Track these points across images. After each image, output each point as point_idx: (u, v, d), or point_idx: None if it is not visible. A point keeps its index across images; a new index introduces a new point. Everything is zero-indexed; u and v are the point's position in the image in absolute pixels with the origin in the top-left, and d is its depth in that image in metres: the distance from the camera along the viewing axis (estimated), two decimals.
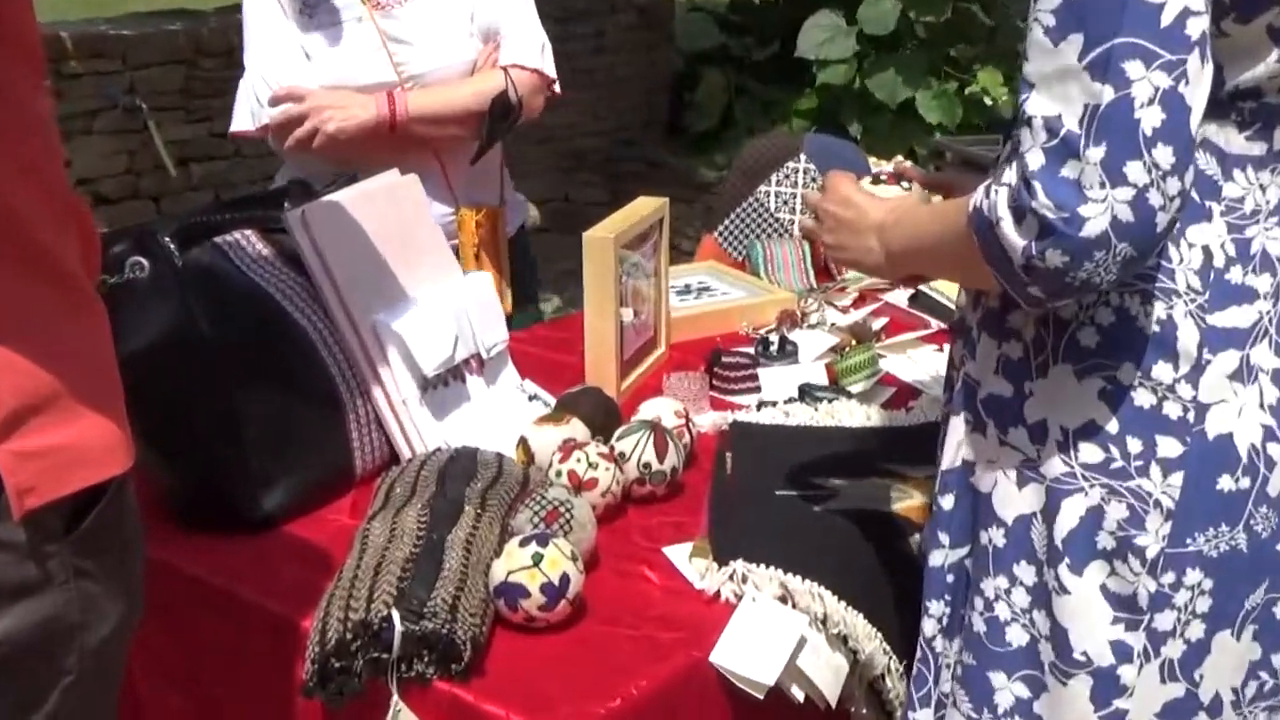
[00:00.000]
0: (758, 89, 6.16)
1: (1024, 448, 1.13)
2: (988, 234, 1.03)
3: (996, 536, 1.15)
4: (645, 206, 2.10)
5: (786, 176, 3.31)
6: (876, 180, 2.58)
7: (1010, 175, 1.02)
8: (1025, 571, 1.14)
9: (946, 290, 2.27)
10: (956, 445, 1.19)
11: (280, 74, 2.13)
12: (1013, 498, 1.14)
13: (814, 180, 3.30)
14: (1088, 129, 0.96)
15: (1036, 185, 0.98)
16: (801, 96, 5.65)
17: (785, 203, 3.31)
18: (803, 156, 3.27)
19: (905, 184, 1.38)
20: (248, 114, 2.15)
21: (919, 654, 1.24)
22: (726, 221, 3.27)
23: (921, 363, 2.09)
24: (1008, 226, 1.01)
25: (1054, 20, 0.99)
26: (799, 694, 1.29)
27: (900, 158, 4.67)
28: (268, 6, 2.17)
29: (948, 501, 1.20)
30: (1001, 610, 1.14)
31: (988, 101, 4.95)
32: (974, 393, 1.18)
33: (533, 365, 1.97)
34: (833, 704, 1.30)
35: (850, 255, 1.30)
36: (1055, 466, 1.11)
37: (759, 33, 6.41)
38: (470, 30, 2.23)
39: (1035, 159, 0.99)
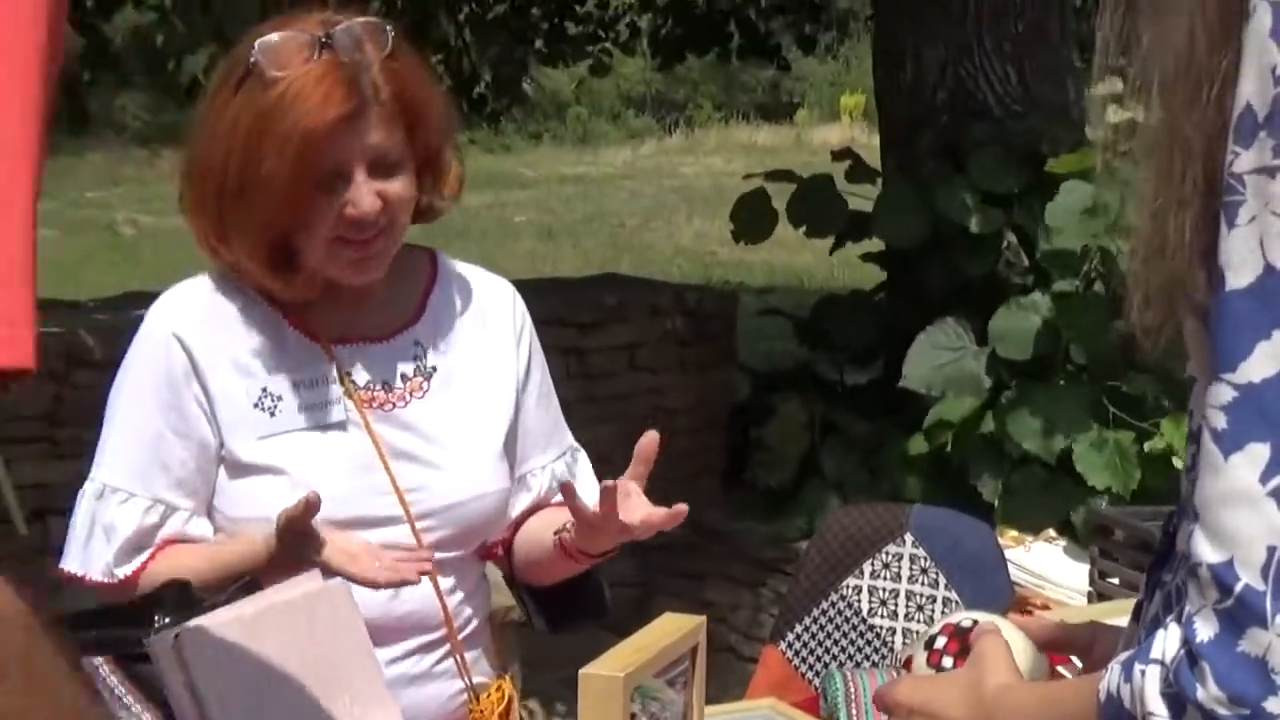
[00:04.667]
0: (852, 426, 6.24)
1: None
2: None
3: None
4: (672, 629, 2.08)
5: (886, 565, 3.31)
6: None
7: (1166, 643, 1.01)
8: None
9: None
10: None
11: (187, 501, 2.06)
12: None
13: (924, 572, 3.30)
14: (1275, 583, 0.96)
15: (1205, 666, 0.97)
16: (912, 440, 5.71)
17: (883, 603, 3.29)
18: (908, 537, 3.28)
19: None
20: (92, 554, 2.04)
21: None
22: (800, 628, 3.25)
23: None
24: None
25: (1225, 421, 0.99)
26: None
27: (1052, 532, 4.68)
28: (164, 387, 2.05)
29: None
30: None
31: (1177, 464, 4.96)
32: None
33: None
34: None
35: None
36: None
37: (855, 346, 6.56)
38: (502, 447, 2.20)
39: (1205, 625, 0.98)
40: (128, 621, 1.70)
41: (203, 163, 2.01)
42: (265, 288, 2.05)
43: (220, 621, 1.69)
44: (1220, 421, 0.99)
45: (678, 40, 11.02)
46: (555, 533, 2.15)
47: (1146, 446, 4.99)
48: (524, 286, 7.31)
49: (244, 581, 1.82)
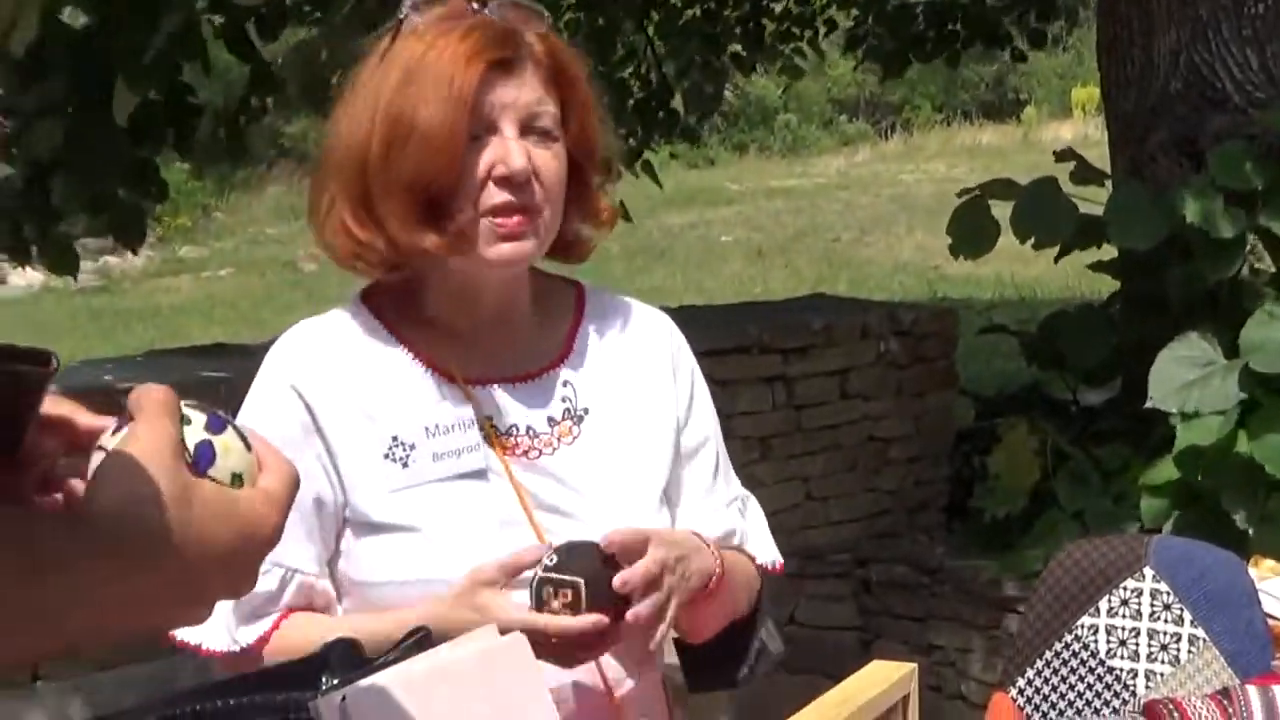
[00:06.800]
0: (1089, 450, 6.15)
1: None
2: None
3: None
4: (881, 678, 2.07)
5: (1124, 602, 3.24)
6: None
7: None
8: None
9: None
10: None
11: (308, 564, 1.98)
12: None
13: (1167, 609, 3.22)
14: None
15: None
16: (1156, 464, 5.61)
17: (1123, 643, 3.22)
18: (1149, 570, 3.21)
19: None
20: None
21: None
22: (1031, 672, 3.21)
23: None
24: None
25: None
26: None
27: None
28: (281, 445, 1.88)
29: None
30: None
31: None
32: None
33: None
34: None
35: None
36: None
37: (1088, 364, 6.47)
38: (661, 496, 2.09)
39: None
40: (293, 684, 1.73)
41: (345, 140, 1.98)
42: (410, 251, 1.95)
43: (389, 681, 1.70)
44: None
45: (899, 48, 10.92)
46: None
47: None
48: (722, 312, 7.40)
49: (417, 638, 1.84)
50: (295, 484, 1.25)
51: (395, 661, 1.76)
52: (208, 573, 1.11)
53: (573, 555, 1.83)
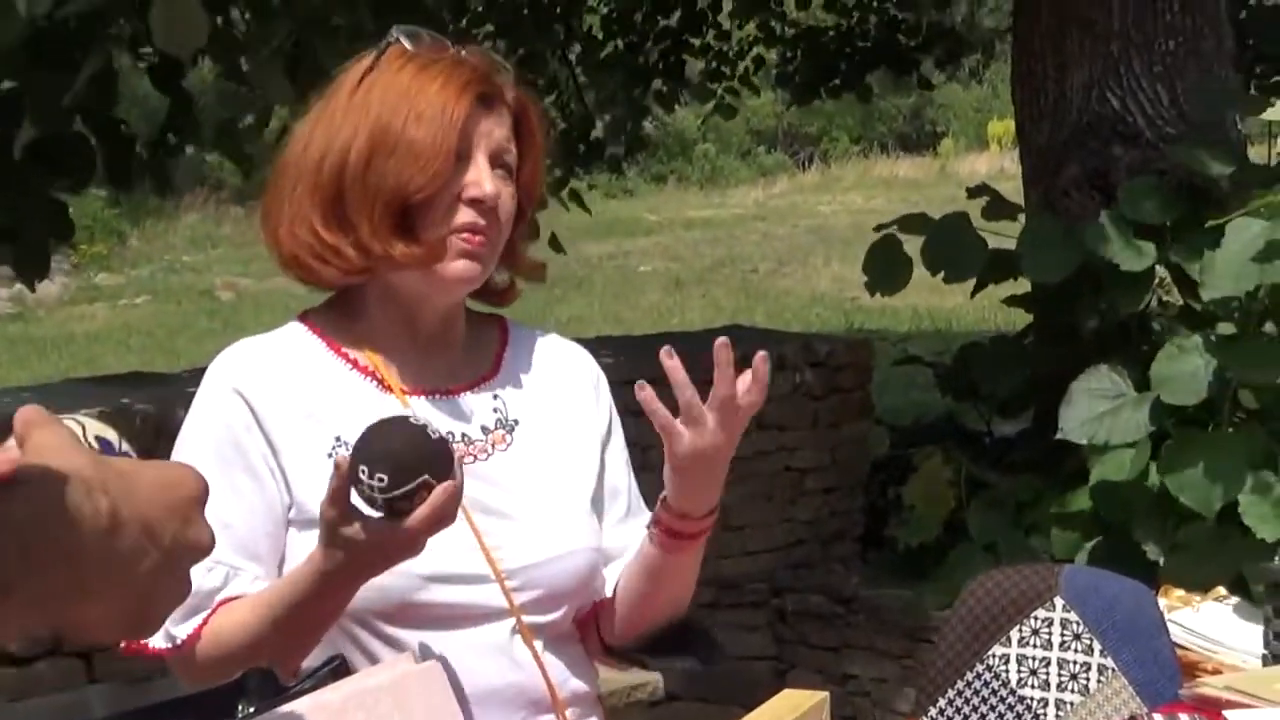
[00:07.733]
0: (1001, 481, 6.20)
1: None
2: None
3: None
4: (790, 707, 2.09)
5: (1035, 632, 3.27)
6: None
7: None
8: None
9: None
10: None
11: (250, 563, 2.05)
12: None
13: (1077, 638, 3.26)
14: None
15: None
16: (1068, 496, 5.66)
17: (1034, 672, 3.25)
18: (1058, 600, 3.24)
19: None
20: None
21: None
22: (944, 702, 3.23)
23: None
24: None
25: None
26: None
27: (1223, 590, 4.63)
28: (225, 444, 2.07)
29: None
30: None
31: None
32: None
33: None
34: None
35: None
36: None
37: (1002, 395, 6.52)
38: (590, 500, 2.23)
39: None
40: (210, 712, 1.74)
41: (321, 146, 2.09)
42: (376, 257, 2.06)
43: (305, 709, 1.71)
44: None
45: (810, 79, 10.97)
46: (650, 525, 2.16)
47: None
48: (640, 342, 7.38)
49: (332, 666, 1.85)
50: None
51: (311, 689, 1.77)
52: (150, 523, 1.15)
53: (397, 468, 1.83)
